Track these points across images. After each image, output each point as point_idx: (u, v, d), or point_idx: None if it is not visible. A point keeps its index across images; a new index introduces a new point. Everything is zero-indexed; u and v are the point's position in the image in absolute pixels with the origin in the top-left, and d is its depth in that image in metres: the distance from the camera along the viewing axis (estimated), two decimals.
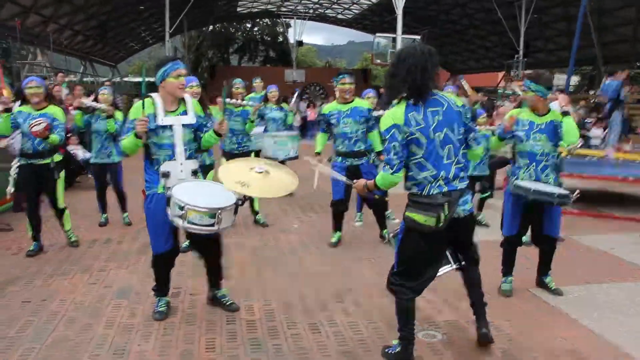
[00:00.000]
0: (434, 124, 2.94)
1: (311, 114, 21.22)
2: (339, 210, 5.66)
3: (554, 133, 4.12)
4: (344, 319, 3.86)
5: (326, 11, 36.32)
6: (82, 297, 4.22)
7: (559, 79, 35.72)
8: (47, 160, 5.20)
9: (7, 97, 5.24)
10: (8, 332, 3.61)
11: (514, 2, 22.80)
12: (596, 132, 12.57)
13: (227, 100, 5.92)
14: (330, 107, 5.58)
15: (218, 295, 4.00)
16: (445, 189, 2.97)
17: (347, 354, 3.34)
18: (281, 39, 43.75)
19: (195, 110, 3.80)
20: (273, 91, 7.69)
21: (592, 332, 3.67)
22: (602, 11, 19.85)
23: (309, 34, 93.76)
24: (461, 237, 3.24)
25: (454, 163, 3.01)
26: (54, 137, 5.08)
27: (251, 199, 6.38)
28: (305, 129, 20.45)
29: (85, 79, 28.42)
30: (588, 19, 17.17)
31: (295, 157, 7.52)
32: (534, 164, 4.15)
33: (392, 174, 2.99)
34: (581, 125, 10.39)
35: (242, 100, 6.33)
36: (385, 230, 5.73)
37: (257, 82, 8.98)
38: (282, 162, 7.70)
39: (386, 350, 3.29)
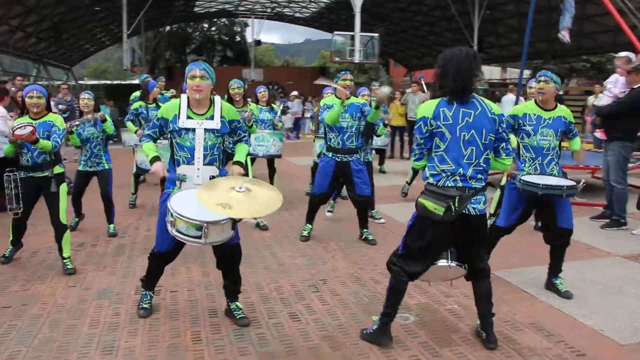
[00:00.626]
0: (462, 124, 3.06)
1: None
2: (315, 202, 5.78)
3: (560, 129, 4.18)
4: (322, 307, 4.07)
5: (283, 10, 36.42)
6: (62, 300, 4.29)
7: (512, 72, 36.82)
8: (46, 173, 4.93)
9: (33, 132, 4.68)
10: None
11: None
12: None
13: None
14: (330, 100, 5.67)
15: (232, 307, 3.88)
16: (460, 184, 3.10)
17: (327, 338, 3.54)
18: (239, 39, 43.63)
19: (226, 116, 3.70)
20: (262, 91, 7.57)
21: (550, 306, 4.01)
22: (551, 8, 20.58)
23: (267, 33, 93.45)
24: (469, 237, 3.28)
25: (473, 165, 3.11)
26: (45, 143, 4.77)
27: None
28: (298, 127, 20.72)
29: (39, 82, 27.81)
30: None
31: (278, 156, 7.47)
32: (540, 157, 4.18)
33: (415, 161, 3.27)
34: None
35: (240, 99, 6.52)
36: (365, 230, 5.84)
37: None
38: (272, 162, 7.76)
39: (364, 331, 3.48)
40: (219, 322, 3.82)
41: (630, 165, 6.75)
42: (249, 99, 7.25)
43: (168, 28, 39.75)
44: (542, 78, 4.14)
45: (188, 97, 3.67)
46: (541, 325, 3.69)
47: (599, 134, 7.18)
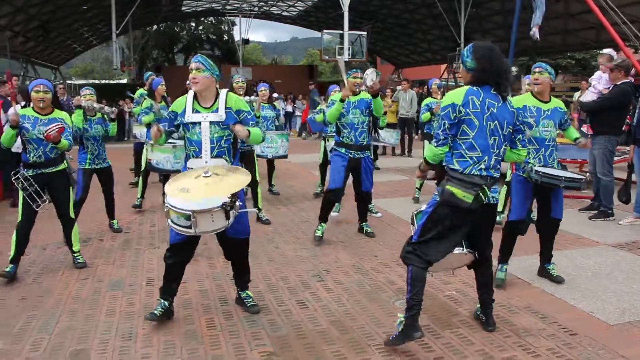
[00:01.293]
0: (488, 113, 3.16)
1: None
2: (332, 199, 5.73)
3: (558, 119, 4.32)
4: (327, 295, 4.28)
5: (271, 9, 36.45)
6: (77, 292, 4.45)
7: None
8: (61, 167, 4.90)
9: (16, 114, 4.66)
10: (13, 326, 3.82)
11: None
12: None
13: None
14: (338, 97, 5.64)
15: (242, 296, 3.99)
16: (484, 173, 3.19)
17: (335, 323, 3.75)
18: (226, 38, 43.66)
19: (232, 107, 3.71)
20: (263, 89, 7.55)
21: (543, 292, 4.25)
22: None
23: (253, 32, 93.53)
24: (483, 225, 3.40)
25: (495, 154, 3.23)
26: (65, 142, 4.78)
27: (255, 198, 6.59)
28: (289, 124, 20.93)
29: (27, 82, 27.71)
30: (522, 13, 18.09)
31: (284, 156, 7.63)
32: (543, 149, 4.27)
33: (436, 146, 3.22)
34: None
35: (243, 93, 6.61)
36: (364, 223, 5.95)
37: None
38: (271, 160, 7.95)
39: (390, 339, 3.36)
40: (231, 310, 4.01)
41: (615, 158, 7.03)
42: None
43: (155, 27, 39.72)
44: (537, 69, 4.27)
45: (195, 92, 3.73)
46: (535, 309, 3.92)
47: (585, 128, 7.45)
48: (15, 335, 3.66)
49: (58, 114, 4.89)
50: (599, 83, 6.97)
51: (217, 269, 4.89)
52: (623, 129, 6.68)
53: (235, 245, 3.86)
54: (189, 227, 3.37)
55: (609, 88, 6.65)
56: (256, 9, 35.70)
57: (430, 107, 7.21)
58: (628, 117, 6.55)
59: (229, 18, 38.59)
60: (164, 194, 6.34)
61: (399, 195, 8.16)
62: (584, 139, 4.65)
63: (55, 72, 34.06)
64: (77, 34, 32.22)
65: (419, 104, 13.29)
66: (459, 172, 3.20)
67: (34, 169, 4.80)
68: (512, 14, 21.69)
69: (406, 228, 6.36)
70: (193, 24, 43.88)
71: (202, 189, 3.29)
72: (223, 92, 3.76)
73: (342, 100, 5.48)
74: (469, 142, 3.19)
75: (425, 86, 10.40)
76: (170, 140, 6.79)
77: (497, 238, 4.89)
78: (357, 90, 5.60)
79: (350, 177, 5.81)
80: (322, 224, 5.75)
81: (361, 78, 5.57)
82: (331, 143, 7.36)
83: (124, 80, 40.58)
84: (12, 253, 4.80)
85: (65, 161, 4.99)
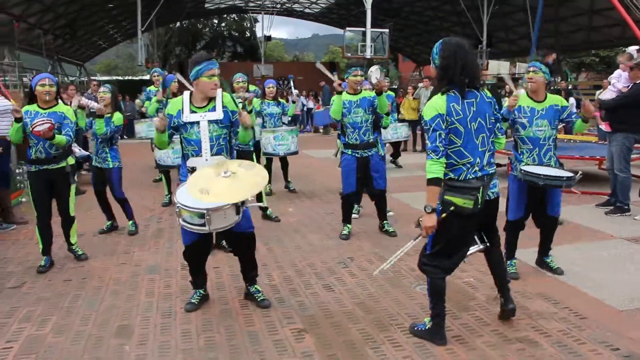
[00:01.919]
0: (470, 115, 3.15)
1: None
2: (349, 202, 5.84)
3: (554, 117, 4.33)
4: (352, 279, 4.54)
5: (293, 6, 36.80)
6: (117, 275, 4.78)
7: (521, 67, 37.03)
8: (62, 164, 4.90)
9: (18, 107, 4.73)
10: (62, 303, 4.16)
11: None
12: None
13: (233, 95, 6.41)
14: (342, 96, 5.64)
15: (251, 290, 4.06)
16: (480, 174, 3.19)
17: (360, 305, 4.02)
18: (249, 34, 44.05)
19: (228, 106, 3.81)
20: (270, 86, 7.65)
21: (555, 279, 4.46)
22: (559, 2, 20.90)
23: (274, 29, 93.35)
24: (489, 218, 3.50)
25: (487, 151, 3.24)
26: (60, 138, 4.68)
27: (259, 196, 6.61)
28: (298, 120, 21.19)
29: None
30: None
31: (296, 153, 7.79)
32: (537, 148, 4.33)
33: (437, 159, 3.14)
34: None
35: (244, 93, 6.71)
36: (385, 222, 5.98)
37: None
38: (284, 157, 8.00)
39: (415, 327, 3.52)
40: (265, 290, 4.29)
41: (633, 156, 7.16)
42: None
43: (178, 24, 40.30)
44: (531, 68, 4.35)
45: (191, 93, 3.82)
46: (548, 295, 4.14)
47: (604, 126, 7.57)
48: (65, 311, 4.00)
49: (60, 107, 4.85)
50: (619, 81, 7.10)
51: None
52: None
53: (242, 239, 3.91)
54: (203, 224, 3.48)
55: (628, 86, 6.78)
56: (278, 5, 36.03)
57: None
58: None
59: (252, 15, 38.92)
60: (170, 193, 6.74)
61: (422, 190, 8.38)
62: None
63: (81, 68, 34.84)
64: (102, 31, 32.92)
65: None
66: (455, 179, 3.19)
67: (36, 165, 4.84)
68: (536, 11, 21.69)
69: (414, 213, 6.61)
70: (215, 21, 44.32)
71: (224, 190, 3.36)
72: (219, 92, 3.81)
73: (339, 93, 5.47)
74: (458, 150, 3.18)
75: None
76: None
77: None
78: (359, 88, 5.59)
79: None
80: (347, 225, 5.86)
81: (362, 76, 5.60)
82: (269, 136, 7.57)
83: (147, 77, 41.31)
84: (40, 246, 4.98)
85: (70, 158, 5.00)
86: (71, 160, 5.03)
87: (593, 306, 3.94)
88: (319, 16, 39.32)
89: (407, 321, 3.72)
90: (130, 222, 6.17)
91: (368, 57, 20.74)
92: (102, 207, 6.15)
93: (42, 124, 4.51)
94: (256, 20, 40.40)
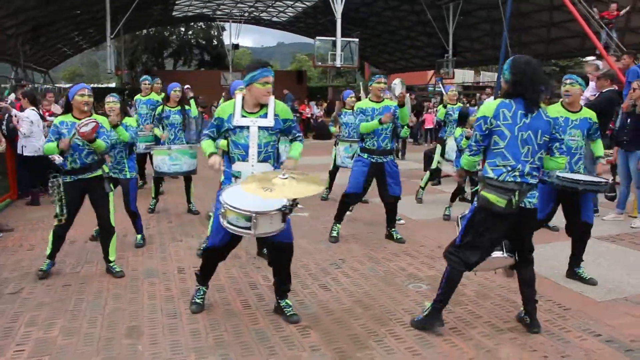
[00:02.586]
0: (520, 124, 3.35)
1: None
2: (347, 202, 5.93)
3: (586, 129, 4.48)
4: (346, 279, 4.76)
5: (261, 14, 36.95)
6: (115, 280, 4.86)
7: (485, 76, 38.09)
8: (98, 173, 4.86)
9: (68, 144, 4.64)
10: (66, 307, 4.23)
11: (442, 5, 24.41)
12: None
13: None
14: (364, 103, 5.82)
15: (282, 304, 3.99)
16: (518, 179, 3.36)
17: (358, 302, 4.23)
18: (216, 43, 43.99)
19: (279, 114, 3.82)
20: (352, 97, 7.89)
21: (538, 275, 4.70)
22: (521, 14, 21.65)
23: (240, 37, 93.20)
24: (522, 229, 3.58)
25: (529, 162, 3.39)
26: (100, 142, 4.70)
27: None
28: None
29: (28, 87, 27.86)
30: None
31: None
32: (569, 157, 4.40)
33: (470, 155, 3.52)
34: None
35: None
36: (394, 229, 6.05)
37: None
38: None
39: (415, 319, 3.73)
40: (261, 292, 4.46)
41: (602, 161, 7.57)
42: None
43: (145, 31, 39.99)
44: (568, 81, 4.44)
45: (243, 97, 3.83)
46: (512, 287, 4.39)
47: None
48: (71, 315, 4.09)
49: (96, 117, 4.82)
50: (587, 91, 7.53)
51: (242, 259, 5.33)
52: (607, 132, 7.25)
53: (282, 249, 3.87)
54: (248, 228, 3.45)
55: (595, 95, 7.21)
56: (246, 14, 36.16)
57: (447, 112, 7.91)
58: (611, 122, 7.13)
59: (219, 23, 38.94)
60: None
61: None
62: (604, 161, 4.77)
63: (45, 75, 34.19)
64: (68, 38, 32.42)
65: (414, 109, 13.85)
66: (493, 179, 3.40)
67: (71, 176, 4.79)
68: (499, 23, 22.38)
69: (411, 223, 6.88)
70: (183, 29, 44.12)
71: (285, 188, 3.35)
72: (272, 100, 3.82)
73: (380, 122, 5.57)
74: (500, 151, 3.39)
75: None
76: (166, 145, 7.14)
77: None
78: (382, 96, 5.74)
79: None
80: (337, 224, 5.98)
81: (385, 84, 5.75)
82: (340, 148, 7.80)
83: (113, 85, 40.83)
84: (49, 250, 4.93)
85: (104, 167, 4.97)
86: (106, 169, 5.01)
87: (574, 298, 4.26)
88: (286, 25, 39.55)
89: (404, 316, 3.96)
90: (140, 235, 6.00)
91: (338, 65, 21.04)
92: None
93: (88, 123, 4.51)
94: (223, 29, 40.46)
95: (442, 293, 3.59)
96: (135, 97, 9.13)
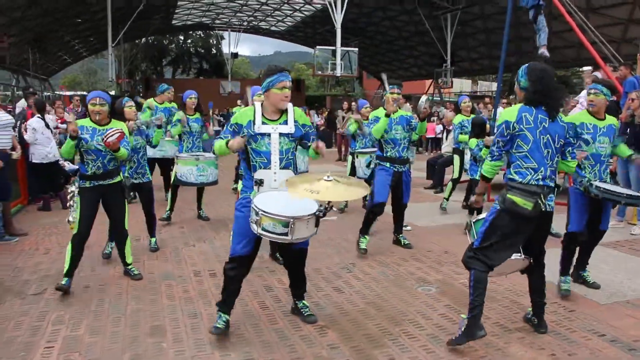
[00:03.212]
0: (540, 128, 3.45)
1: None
2: (375, 212, 5.91)
3: (612, 135, 4.50)
4: (358, 282, 4.93)
5: (260, 23, 37.30)
6: (133, 282, 5.01)
7: (482, 85, 38.43)
8: (118, 179, 4.90)
9: (74, 124, 4.60)
10: (89, 307, 4.39)
11: (439, 15, 24.74)
12: None
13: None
14: (379, 112, 5.91)
15: (299, 305, 4.10)
16: (541, 183, 3.46)
17: (371, 304, 4.41)
18: (215, 51, 44.30)
19: (298, 120, 3.83)
20: (367, 107, 7.75)
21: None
22: (519, 24, 21.96)
23: (238, 46, 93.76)
24: (540, 231, 3.66)
25: (549, 165, 3.50)
26: (123, 151, 4.74)
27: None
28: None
29: (18, 92, 28.02)
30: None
31: (305, 172, 7.85)
32: (598, 164, 4.44)
33: (492, 161, 3.58)
34: None
35: None
36: (401, 235, 6.17)
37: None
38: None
39: (453, 338, 3.61)
40: (277, 295, 4.63)
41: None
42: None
43: (144, 40, 40.26)
44: (592, 91, 4.49)
45: (262, 104, 3.82)
46: (518, 290, 4.57)
47: None
48: (94, 314, 4.25)
49: (115, 124, 4.85)
50: (585, 100, 7.74)
51: (255, 263, 5.47)
52: None
53: (299, 254, 3.97)
54: (285, 234, 3.43)
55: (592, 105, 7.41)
56: (245, 23, 36.50)
57: (462, 125, 7.77)
58: None
59: (218, 32, 39.24)
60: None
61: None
62: (636, 155, 4.77)
63: (45, 83, 34.33)
64: (68, 46, 32.67)
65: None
66: (518, 182, 3.47)
67: (92, 181, 4.77)
68: (495, 33, 22.70)
69: (418, 229, 7.05)
70: (182, 38, 44.43)
71: (331, 190, 3.35)
72: (291, 106, 3.84)
73: (387, 116, 5.66)
74: (524, 154, 3.47)
75: (454, 104, 11.04)
76: (193, 154, 7.16)
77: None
78: (396, 106, 5.78)
79: None
80: (365, 236, 5.93)
81: (398, 94, 5.80)
82: (361, 160, 7.63)
83: (112, 92, 41.02)
84: (66, 266, 4.73)
85: (121, 174, 5.03)
86: (122, 176, 5.04)
87: (578, 301, 4.44)
88: (284, 34, 39.94)
89: (416, 317, 4.13)
90: (154, 239, 6.11)
91: (338, 75, 21.30)
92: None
93: (114, 133, 4.54)
94: (222, 37, 40.77)
95: (474, 299, 3.52)
96: (147, 102, 9.11)
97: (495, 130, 3.61)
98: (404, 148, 5.88)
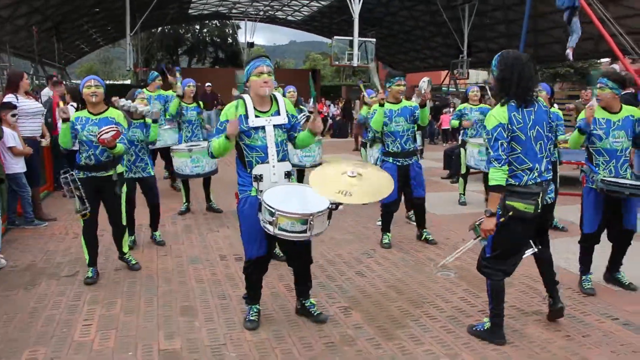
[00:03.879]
0: (530, 123, 3.36)
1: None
2: (390, 211, 5.80)
3: (630, 128, 4.27)
4: (378, 267, 5.11)
5: (276, 13, 37.37)
6: (162, 265, 5.23)
7: None
8: (110, 173, 4.71)
9: (66, 107, 4.54)
10: (122, 288, 4.61)
11: (457, 6, 24.66)
12: None
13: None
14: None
15: (306, 304, 3.95)
16: (539, 180, 3.39)
17: (392, 287, 4.58)
18: (231, 41, 44.46)
19: (288, 110, 3.74)
20: (291, 91, 7.21)
21: (558, 266, 5.02)
22: (537, 14, 21.86)
23: (254, 35, 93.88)
24: (544, 221, 3.71)
25: (544, 157, 3.44)
26: (120, 147, 4.58)
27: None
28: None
29: (36, 82, 28.44)
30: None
31: (320, 164, 7.51)
32: (614, 160, 4.26)
33: (500, 166, 3.34)
34: None
35: None
36: (425, 230, 5.99)
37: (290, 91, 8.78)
38: (302, 170, 7.52)
39: (473, 327, 3.69)
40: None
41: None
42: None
43: (160, 29, 40.53)
44: (598, 85, 4.32)
45: (251, 97, 3.65)
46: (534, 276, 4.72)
47: None
48: (127, 294, 4.46)
49: (111, 112, 4.73)
50: None
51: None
52: None
53: (302, 248, 3.80)
54: (304, 231, 3.36)
55: None
56: (261, 12, 36.57)
57: (462, 113, 7.76)
58: None
59: (234, 21, 39.36)
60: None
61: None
62: None
63: (62, 71, 34.73)
64: (86, 35, 33.00)
65: (431, 111, 14.00)
66: (516, 185, 3.39)
67: (85, 172, 4.67)
68: (515, 24, 22.57)
69: (436, 218, 7.17)
70: (197, 27, 44.63)
71: (361, 191, 3.30)
72: (279, 95, 3.76)
73: (381, 105, 5.54)
74: (517, 157, 3.39)
75: (462, 94, 10.95)
76: (189, 144, 7.02)
77: None
78: (401, 97, 5.70)
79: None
80: (387, 233, 5.85)
81: (404, 85, 5.65)
82: (375, 149, 7.21)
83: (128, 81, 41.38)
84: (86, 257, 4.81)
85: (119, 166, 4.87)
86: (120, 168, 4.88)
87: (574, 280, 4.62)
88: (300, 23, 39.95)
89: (436, 300, 4.30)
90: (158, 232, 6.02)
91: (355, 65, 21.36)
92: (131, 224, 5.66)
93: (109, 131, 4.41)
94: (238, 27, 40.89)
95: (494, 307, 3.54)
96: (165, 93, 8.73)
97: (488, 136, 3.42)
98: (407, 140, 5.64)
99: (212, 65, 44.76)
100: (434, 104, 18.95)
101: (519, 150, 3.39)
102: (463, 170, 8.09)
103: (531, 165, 3.39)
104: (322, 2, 32.15)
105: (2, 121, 6.24)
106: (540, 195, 3.39)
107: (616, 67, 7.98)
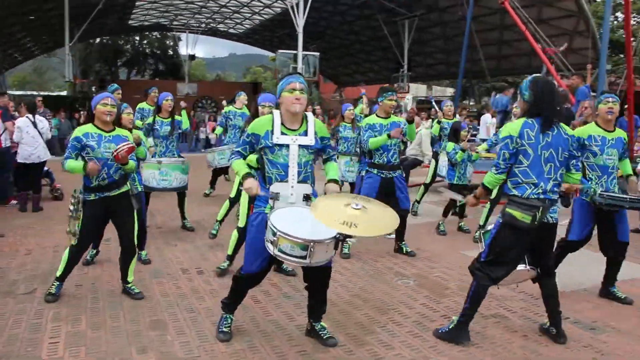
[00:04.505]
0: (543, 143, 3.50)
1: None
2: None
3: (621, 148, 4.51)
4: (340, 277, 5.25)
5: (218, 25, 37.22)
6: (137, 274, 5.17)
7: (436, 90, 39.48)
8: (125, 189, 4.61)
9: (97, 164, 4.39)
10: (85, 304, 4.52)
11: (397, 21, 25.41)
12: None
13: None
14: (371, 119, 5.84)
15: (316, 327, 3.85)
16: (542, 196, 3.52)
17: (356, 296, 4.74)
18: (171, 53, 43.89)
19: (318, 132, 3.64)
20: (350, 109, 7.53)
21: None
22: (477, 31, 22.88)
23: (195, 47, 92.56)
24: (544, 243, 3.76)
25: (552, 179, 3.56)
26: (132, 164, 4.54)
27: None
28: None
29: None
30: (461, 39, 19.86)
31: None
32: (605, 176, 4.46)
33: (496, 174, 3.60)
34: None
35: None
36: (403, 242, 6.06)
37: (242, 97, 9.29)
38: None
39: (439, 330, 3.86)
40: (266, 289, 4.86)
41: None
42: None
43: (98, 40, 39.55)
44: (611, 99, 4.47)
45: (281, 113, 3.61)
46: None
47: None
48: (91, 310, 4.40)
49: (121, 131, 4.64)
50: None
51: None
52: None
53: (323, 273, 3.70)
54: (304, 257, 3.25)
55: None
56: (203, 25, 36.34)
57: (441, 127, 7.97)
58: None
59: (175, 33, 38.92)
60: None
61: None
62: (635, 179, 4.87)
63: None
64: (19, 44, 31.80)
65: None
66: (517, 196, 3.56)
67: (97, 193, 4.49)
68: (451, 40, 23.48)
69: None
70: (137, 38, 43.79)
71: (366, 223, 3.16)
72: (311, 116, 3.70)
73: (389, 137, 5.63)
74: (523, 170, 3.55)
75: (432, 108, 11.20)
76: (156, 158, 6.71)
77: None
78: (392, 112, 5.85)
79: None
80: (348, 242, 5.98)
81: (395, 100, 5.80)
82: (341, 161, 7.33)
83: (64, 93, 40.07)
84: (60, 271, 4.67)
85: (128, 182, 4.78)
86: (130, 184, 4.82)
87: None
88: (242, 36, 39.92)
89: (400, 307, 4.49)
90: (145, 252, 5.82)
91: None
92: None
93: (124, 147, 4.35)
94: (179, 39, 40.50)
95: (468, 307, 3.71)
96: (140, 106, 8.69)
97: (500, 143, 3.63)
98: (393, 154, 5.77)
99: (152, 77, 43.96)
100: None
101: (525, 164, 3.54)
102: (427, 181, 8.34)
103: (536, 181, 3.53)
104: (265, 16, 32.29)
105: None
106: (541, 209, 3.51)
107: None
